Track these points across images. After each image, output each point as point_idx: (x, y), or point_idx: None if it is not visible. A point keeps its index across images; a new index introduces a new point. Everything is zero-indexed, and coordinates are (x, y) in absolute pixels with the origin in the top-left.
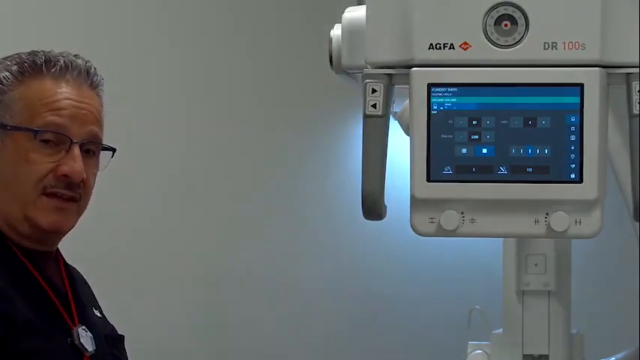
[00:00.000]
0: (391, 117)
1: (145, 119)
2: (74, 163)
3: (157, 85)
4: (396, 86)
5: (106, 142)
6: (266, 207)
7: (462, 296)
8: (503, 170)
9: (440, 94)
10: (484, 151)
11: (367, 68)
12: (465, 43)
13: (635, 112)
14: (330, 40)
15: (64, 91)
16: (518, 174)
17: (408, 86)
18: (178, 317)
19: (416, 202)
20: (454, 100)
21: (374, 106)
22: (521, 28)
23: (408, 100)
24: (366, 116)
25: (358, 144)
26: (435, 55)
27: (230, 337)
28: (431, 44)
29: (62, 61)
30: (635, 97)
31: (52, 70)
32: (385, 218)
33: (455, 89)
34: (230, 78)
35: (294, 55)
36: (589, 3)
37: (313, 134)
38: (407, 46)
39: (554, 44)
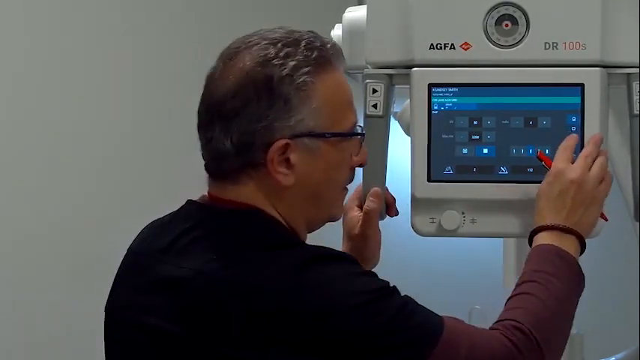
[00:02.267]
0: (391, 117)
1: (144, 119)
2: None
3: (157, 84)
4: (396, 86)
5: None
6: None
7: (462, 296)
8: (503, 170)
9: (440, 95)
10: (485, 151)
11: (367, 68)
12: (466, 44)
13: (635, 112)
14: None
15: (345, 82)
16: (519, 174)
17: (408, 86)
18: None
19: (416, 202)
20: (455, 100)
21: (374, 106)
22: (521, 28)
23: (408, 100)
24: (366, 116)
25: None
26: (436, 56)
27: None
28: (431, 44)
29: (333, 49)
30: (635, 97)
31: (336, 62)
32: (385, 218)
33: (455, 89)
34: None
35: None
36: (589, 3)
37: None
38: (407, 47)
39: (555, 44)
